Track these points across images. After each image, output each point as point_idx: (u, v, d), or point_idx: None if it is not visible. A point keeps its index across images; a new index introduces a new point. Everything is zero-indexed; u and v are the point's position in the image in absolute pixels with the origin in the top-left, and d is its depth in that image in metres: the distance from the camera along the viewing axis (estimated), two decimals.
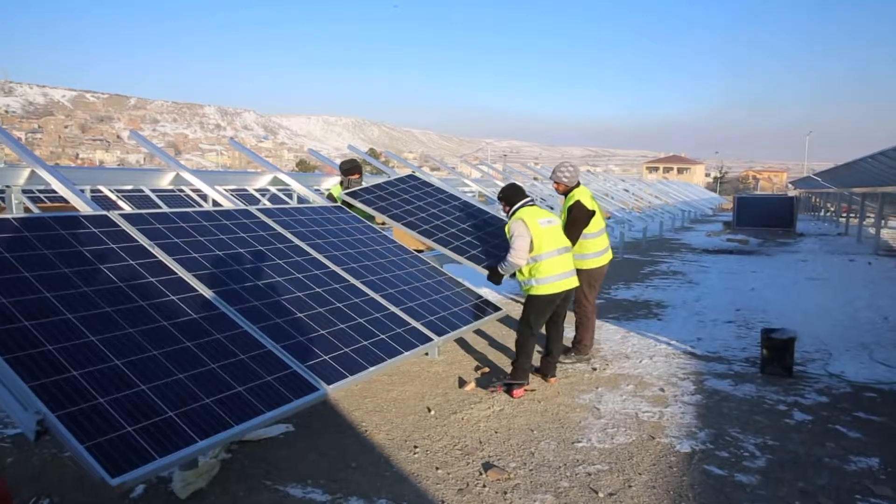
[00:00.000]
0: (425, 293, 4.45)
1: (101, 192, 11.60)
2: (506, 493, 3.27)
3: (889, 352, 5.94)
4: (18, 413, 2.06)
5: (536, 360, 5.04)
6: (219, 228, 3.92)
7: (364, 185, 6.04)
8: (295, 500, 3.16)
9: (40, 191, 11.62)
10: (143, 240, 3.39)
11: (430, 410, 4.40)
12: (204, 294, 3.16)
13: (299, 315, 3.38)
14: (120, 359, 2.45)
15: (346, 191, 5.65)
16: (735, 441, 3.89)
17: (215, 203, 5.02)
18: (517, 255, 4.69)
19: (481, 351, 5.91)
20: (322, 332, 3.32)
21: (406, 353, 3.50)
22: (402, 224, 5.27)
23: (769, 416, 4.31)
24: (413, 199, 5.91)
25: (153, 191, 13.88)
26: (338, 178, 6.50)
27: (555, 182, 5.60)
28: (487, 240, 5.74)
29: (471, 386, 4.88)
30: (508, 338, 5.53)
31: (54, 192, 11.37)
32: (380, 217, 5.41)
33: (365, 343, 3.41)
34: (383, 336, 3.56)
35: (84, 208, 3.58)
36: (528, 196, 4.96)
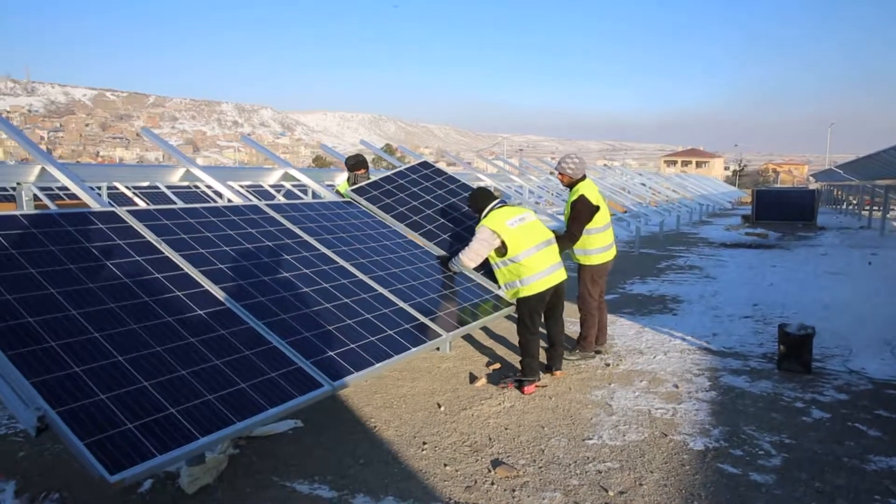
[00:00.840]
0: (435, 288, 4.41)
1: (117, 188, 11.71)
2: (514, 490, 3.23)
3: None
4: (20, 409, 2.06)
5: (544, 357, 4.99)
6: (227, 224, 3.91)
7: (371, 178, 6.00)
8: (302, 497, 3.15)
9: (59, 188, 11.73)
10: (149, 236, 3.39)
11: (439, 406, 4.36)
12: (210, 290, 3.15)
13: (306, 310, 3.35)
14: (123, 355, 2.44)
15: (353, 187, 5.62)
16: (750, 439, 3.81)
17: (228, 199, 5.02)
18: (469, 257, 4.62)
19: (493, 346, 5.86)
20: (328, 327, 3.30)
21: (413, 349, 3.46)
22: (406, 224, 5.21)
23: (786, 413, 4.22)
24: (422, 192, 5.85)
25: (168, 187, 13.99)
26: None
27: (559, 174, 5.49)
28: None
29: (481, 382, 4.84)
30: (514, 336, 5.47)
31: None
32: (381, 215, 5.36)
33: (372, 339, 3.38)
34: (391, 332, 3.53)
35: (93, 204, 3.59)
36: (496, 198, 4.86)
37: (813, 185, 34.49)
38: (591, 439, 3.84)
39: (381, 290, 3.99)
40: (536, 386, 4.65)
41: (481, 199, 4.84)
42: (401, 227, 5.20)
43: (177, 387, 2.42)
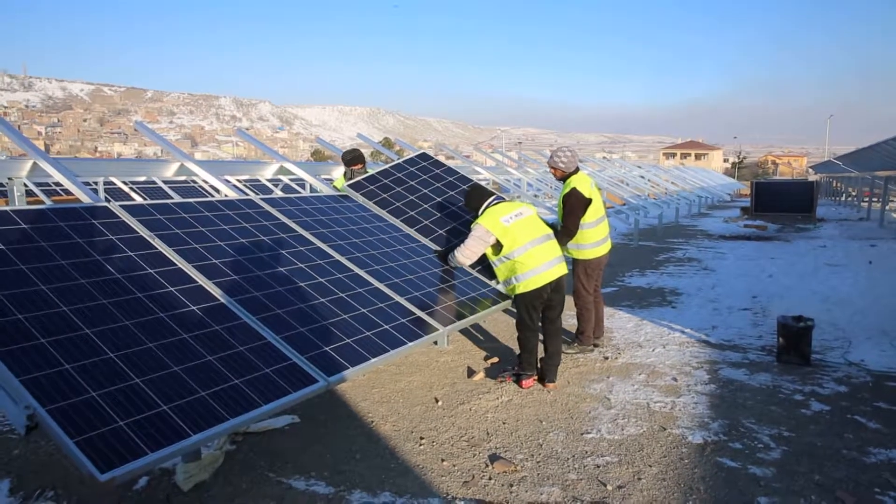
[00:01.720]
0: (432, 282, 4.38)
1: (113, 184, 11.65)
2: (512, 485, 3.21)
3: None
4: (9, 407, 2.03)
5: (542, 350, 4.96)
6: (221, 219, 3.87)
7: (368, 172, 5.96)
8: (298, 493, 3.13)
9: (55, 183, 11.68)
10: (143, 231, 3.35)
11: (437, 401, 4.34)
12: (203, 285, 3.12)
13: (301, 305, 3.32)
14: (114, 352, 2.41)
15: (349, 182, 5.58)
16: (749, 432, 3.79)
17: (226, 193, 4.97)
18: (464, 254, 4.56)
19: (491, 340, 5.84)
20: (324, 322, 3.27)
21: (410, 344, 3.44)
22: (402, 220, 5.17)
23: (785, 406, 4.20)
24: (419, 185, 5.79)
25: (166, 182, 13.91)
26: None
27: (551, 167, 5.42)
28: None
29: (480, 376, 4.82)
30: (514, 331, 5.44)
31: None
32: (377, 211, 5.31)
33: (368, 333, 3.35)
34: (387, 326, 3.50)
35: (85, 199, 3.55)
36: (492, 195, 4.81)
37: (812, 177, 34.45)
38: (589, 433, 3.82)
39: (377, 284, 3.96)
40: (534, 380, 4.63)
41: (476, 198, 4.79)
42: (397, 224, 5.16)
43: (169, 383, 2.39)
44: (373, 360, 3.15)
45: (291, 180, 15.08)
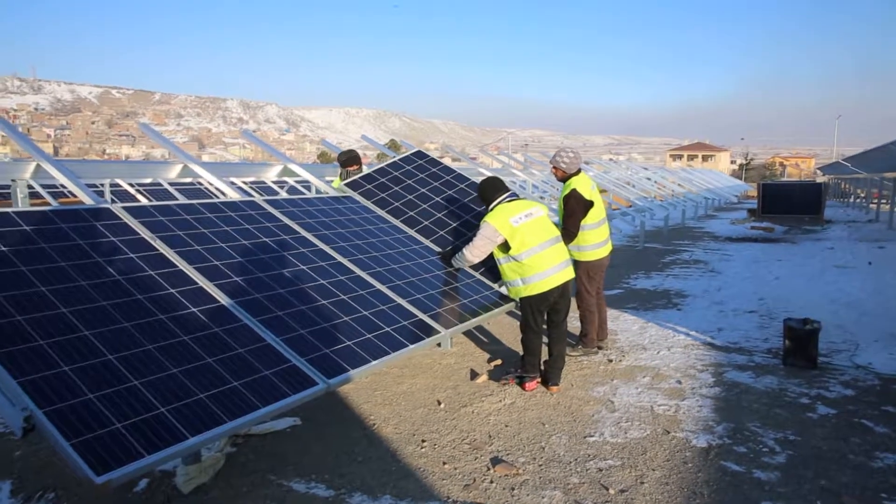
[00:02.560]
0: (434, 285, 4.36)
1: (119, 185, 11.69)
2: (513, 489, 3.18)
3: None
4: (6, 409, 2.02)
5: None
6: (223, 220, 3.87)
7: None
8: (298, 496, 3.11)
9: (62, 185, 11.73)
10: (144, 232, 3.35)
11: (439, 403, 4.32)
12: (205, 287, 3.11)
13: (302, 308, 3.31)
14: (113, 354, 2.41)
15: (345, 181, 5.56)
16: (754, 436, 3.76)
17: (240, 194, 4.96)
18: (472, 253, 4.50)
19: (494, 342, 5.82)
20: (325, 324, 3.26)
21: (411, 347, 3.42)
22: (402, 221, 5.15)
23: (791, 409, 4.16)
24: (417, 184, 5.76)
25: (172, 184, 13.95)
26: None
27: (553, 167, 5.37)
28: None
29: (483, 378, 4.79)
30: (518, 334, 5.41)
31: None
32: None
33: (369, 336, 3.34)
34: (388, 329, 3.49)
35: (87, 201, 3.55)
36: (507, 190, 4.74)
37: (820, 179, 34.25)
38: (592, 436, 3.80)
39: (378, 286, 3.94)
40: (538, 382, 4.60)
41: (490, 190, 4.72)
42: (399, 225, 5.14)
43: (168, 385, 2.38)
44: (374, 362, 3.13)
45: (297, 182, 15.10)
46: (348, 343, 3.19)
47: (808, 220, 18.26)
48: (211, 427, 2.26)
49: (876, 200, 21.61)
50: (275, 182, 16.13)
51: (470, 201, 5.74)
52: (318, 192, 6.30)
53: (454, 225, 5.40)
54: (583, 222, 5.20)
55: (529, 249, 4.38)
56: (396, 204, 5.43)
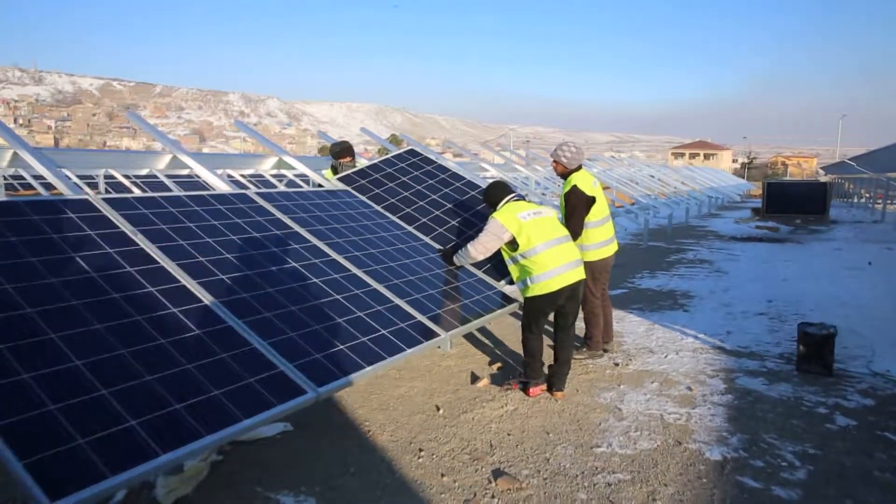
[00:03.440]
0: (434, 284, 4.14)
1: (114, 177, 11.46)
2: None
3: None
4: None
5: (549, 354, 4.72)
6: (212, 214, 3.65)
7: (357, 166, 5.72)
8: None
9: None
10: (125, 226, 3.13)
11: (438, 409, 4.11)
12: (187, 285, 2.90)
13: (292, 308, 3.10)
14: (80, 359, 2.19)
15: (338, 176, 5.33)
16: (771, 448, 3.54)
17: (240, 186, 4.73)
18: (477, 249, 4.30)
19: (496, 344, 5.61)
20: (316, 326, 3.04)
21: (409, 351, 3.20)
22: (398, 217, 4.92)
23: (808, 419, 3.95)
24: (412, 181, 5.53)
25: (170, 176, 13.68)
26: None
27: (554, 161, 5.12)
28: None
29: (484, 382, 4.58)
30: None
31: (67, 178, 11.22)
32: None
33: (364, 339, 3.12)
34: (385, 331, 3.27)
35: (66, 192, 3.34)
36: (513, 192, 4.54)
37: (822, 178, 33.99)
38: (599, 447, 3.59)
39: (375, 285, 3.72)
40: (543, 388, 4.39)
41: (497, 193, 4.54)
42: (397, 221, 4.92)
43: (140, 395, 2.16)
44: (368, 368, 2.92)
45: (296, 175, 14.87)
46: (341, 347, 2.98)
47: (813, 220, 18.02)
48: (187, 442, 2.05)
49: (881, 201, 21.37)
50: (273, 175, 15.90)
51: (468, 199, 5.52)
52: (313, 184, 6.07)
53: (453, 222, 5.18)
54: (586, 220, 4.99)
55: (537, 246, 4.17)
56: (392, 200, 5.20)
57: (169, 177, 13.69)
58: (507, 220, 4.23)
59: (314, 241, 3.90)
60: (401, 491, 3.10)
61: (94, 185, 11.10)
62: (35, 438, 1.82)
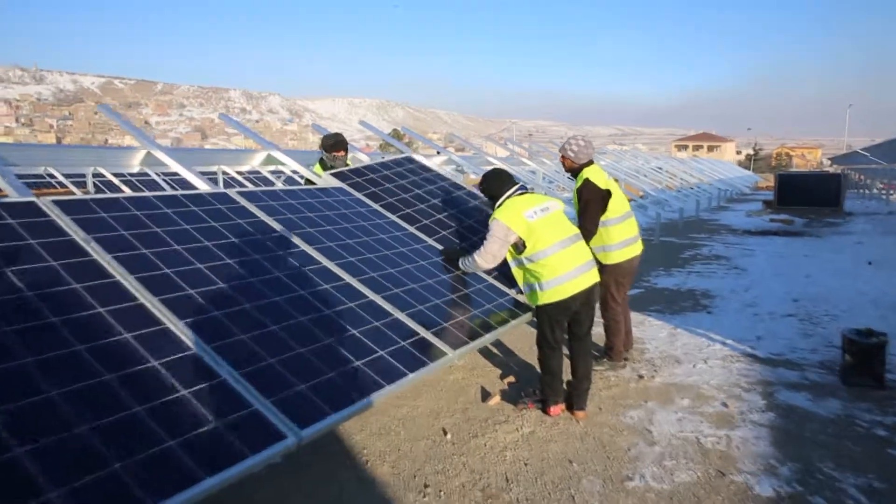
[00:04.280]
0: (439, 292, 3.67)
1: (103, 175, 11.00)
2: None
3: None
4: None
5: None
6: (184, 217, 3.19)
7: (349, 164, 5.25)
8: None
9: (50, 175, 11.02)
10: (76, 233, 2.67)
11: (445, 433, 3.65)
12: (145, 303, 2.44)
13: (273, 328, 2.63)
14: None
15: (331, 171, 4.85)
16: (830, 481, 3.07)
17: (228, 185, 4.26)
18: (484, 259, 3.82)
19: (507, 353, 5.14)
20: (301, 349, 2.57)
21: (411, 376, 2.73)
22: (398, 217, 4.45)
23: (866, 444, 3.47)
24: (411, 185, 5.05)
25: (165, 175, 13.23)
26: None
27: (562, 156, 4.69)
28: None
29: (495, 400, 4.12)
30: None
31: (52, 177, 10.77)
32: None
33: (358, 363, 2.66)
34: (382, 352, 2.80)
35: (11, 193, 2.87)
36: (515, 183, 4.03)
37: (829, 169, 33.37)
38: (631, 480, 3.12)
39: (372, 296, 3.25)
40: (563, 407, 3.92)
41: (495, 184, 4.03)
42: (397, 221, 4.45)
43: (67, 453, 1.70)
44: (361, 402, 2.45)
45: (294, 172, 14.40)
46: (330, 374, 2.51)
47: (827, 213, 17.48)
48: None
49: (894, 192, 20.83)
50: (271, 172, 15.42)
51: (472, 208, 5.09)
52: (307, 182, 5.58)
53: (459, 227, 4.71)
54: (604, 217, 4.53)
55: (546, 249, 3.68)
56: (390, 199, 4.72)
57: (165, 175, 13.24)
58: (512, 221, 3.75)
59: (302, 245, 3.43)
60: None
61: (82, 185, 10.63)
62: None
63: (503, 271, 4.26)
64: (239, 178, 14.01)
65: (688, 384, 4.45)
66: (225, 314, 2.58)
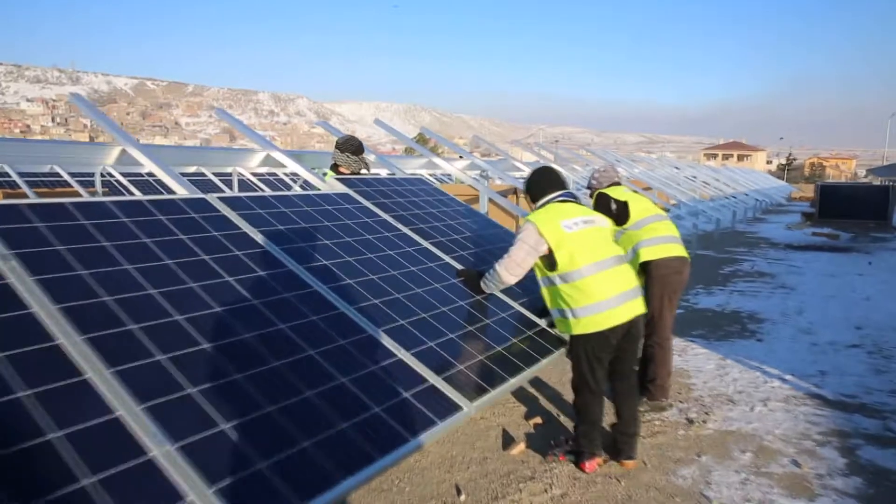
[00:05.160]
0: (455, 323, 3.04)
1: (113, 175, 10.61)
2: None
3: None
4: None
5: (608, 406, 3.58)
6: (145, 228, 2.61)
7: (364, 174, 4.67)
8: None
9: (44, 174, 10.64)
10: None
11: (459, 493, 3.02)
12: (64, 344, 1.85)
13: (235, 377, 2.03)
14: None
15: (340, 177, 4.25)
16: None
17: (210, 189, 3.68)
18: (507, 268, 3.21)
19: (536, 385, 4.49)
20: (268, 409, 1.96)
21: (413, 442, 2.11)
22: (411, 230, 3.82)
23: None
24: (425, 203, 4.44)
25: (184, 174, 12.74)
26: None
27: (590, 191, 4.46)
28: None
29: (519, 448, 3.48)
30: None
31: (57, 176, 10.34)
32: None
33: (344, 426, 2.04)
34: (378, 409, 2.19)
35: None
36: (563, 187, 3.43)
37: (863, 181, 32.02)
38: None
39: (371, 331, 2.64)
40: (599, 463, 3.27)
41: (540, 183, 3.44)
42: (409, 234, 3.84)
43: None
44: (347, 482, 1.84)
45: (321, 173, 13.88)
46: (304, 445, 1.90)
47: (873, 227, 16.47)
48: None
49: None
50: (289, 175, 14.94)
51: (492, 235, 4.50)
52: (306, 184, 4.98)
53: (477, 250, 4.10)
54: (625, 225, 4.11)
55: (582, 268, 3.05)
56: (403, 213, 4.13)
57: (184, 174, 12.71)
58: (545, 227, 3.13)
59: (290, 265, 2.83)
60: None
61: (89, 184, 10.22)
62: None
63: (533, 298, 3.63)
64: (253, 179, 13.53)
65: (747, 433, 3.77)
66: (172, 359, 1.98)
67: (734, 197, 20.45)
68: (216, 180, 12.22)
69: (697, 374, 4.84)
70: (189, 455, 1.67)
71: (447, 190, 8.90)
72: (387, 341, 2.60)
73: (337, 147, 4.60)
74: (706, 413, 4.07)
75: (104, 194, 9.20)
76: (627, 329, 3.16)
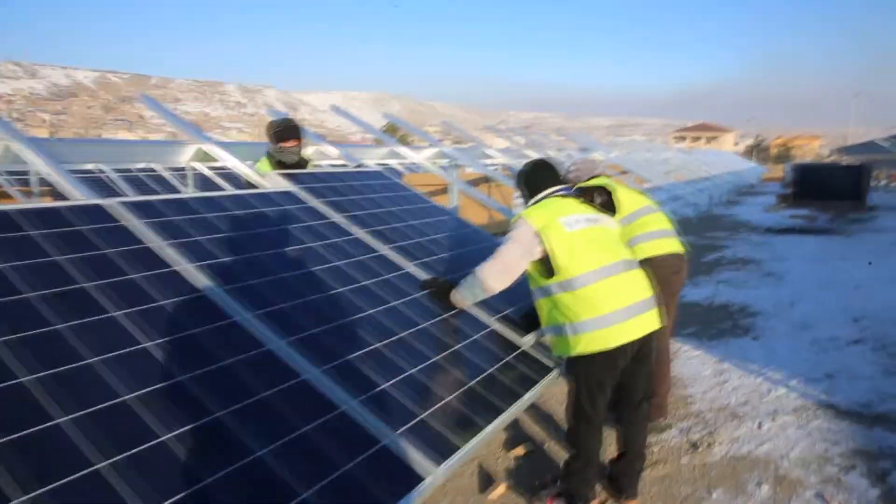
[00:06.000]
0: (418, 354, 2.47)
1: (103, 171, 9.71)
2: None
3: None
4: None
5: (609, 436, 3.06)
6: (10, 246, 2.00)
7: (311, 159, 4.02)
8: None
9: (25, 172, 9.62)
10: None
11: None
12: None
13: (117, 458, 1.45)
14: None
15: (280, 171, 3.62)
16: None
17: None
18: (492, 272, 2.63)
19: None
20: (169, 502, 1.39)
21: None
22: (368, 233, 3.21)
23: None
24: (383, 200, 3.84)
25: (172, 169, 11.65)
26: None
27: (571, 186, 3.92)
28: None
29: (500, 490, 2.96)
30: (562, 394, 3.56)
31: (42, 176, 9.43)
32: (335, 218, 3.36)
33: None
34: (311, 491, 1.62)
35: None
36: (560, 182, 2.88)
37: (826, 161, 32.13)
38: None
39: (308, 372, 2.06)
40: None
41: (536, 176, 2.89)
42: (365, 238, 3.25)
43: None
44: None
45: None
46: None
47: (849, 207, 16.27)
48: None
49: None
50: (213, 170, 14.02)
51: (463, 236, 3.90)
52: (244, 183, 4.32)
53: (445, 255, 3.50)
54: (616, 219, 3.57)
55: (585, 274, 2.50)
56: (357, 213, 3.51)
57: (172, 170, 11.71)
58: (541, 223, 2.58)
59: (205, 289, 2.23)
60: None
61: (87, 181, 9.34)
62: None
63: (514, 310, 3.08)
64: (215, 177, 12.60)
65: (759, 457, 3.29)
66: (20, 437, 1.39)
67: (707, 179, 20.18)
68: (170, 177, 11.34)
69: (694, 383, 4.36)
70: None
71: (414, 181, 8.30)
72: (328, 388, 2.02)
73: (266, 133, 3.92)
74: (710, 433, 3.58)
75: None
76: (638, 348, 2.62)
